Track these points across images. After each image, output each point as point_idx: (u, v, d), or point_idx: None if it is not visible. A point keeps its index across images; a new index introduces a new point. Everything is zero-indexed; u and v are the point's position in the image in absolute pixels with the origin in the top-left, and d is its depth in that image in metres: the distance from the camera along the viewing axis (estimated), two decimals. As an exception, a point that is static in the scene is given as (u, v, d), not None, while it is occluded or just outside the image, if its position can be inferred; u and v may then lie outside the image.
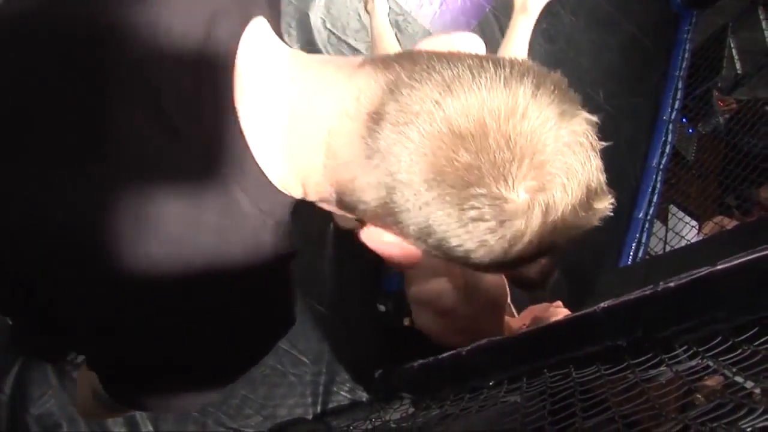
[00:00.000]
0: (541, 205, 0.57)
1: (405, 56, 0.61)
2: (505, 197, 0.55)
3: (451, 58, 0.59)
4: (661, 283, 1.15)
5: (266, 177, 0.64)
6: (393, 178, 0.57)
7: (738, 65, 4.56)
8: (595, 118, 0.65)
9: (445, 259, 0.63)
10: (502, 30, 3.30)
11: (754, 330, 1.01)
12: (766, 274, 0.95)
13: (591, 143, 0.63)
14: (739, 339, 1.03)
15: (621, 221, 3.74)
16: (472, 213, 0.56)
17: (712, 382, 1.27)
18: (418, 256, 0.66)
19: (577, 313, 1.35)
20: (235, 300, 0.68)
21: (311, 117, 0.61)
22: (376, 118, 0.57)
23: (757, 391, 0.96)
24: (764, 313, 0.99)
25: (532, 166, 0.55)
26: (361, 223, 0.67)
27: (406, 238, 0.62)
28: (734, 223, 3.68)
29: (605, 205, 0.65)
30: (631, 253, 3.62)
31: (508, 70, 0.58)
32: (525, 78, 0.58)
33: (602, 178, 0.65)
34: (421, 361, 2.02)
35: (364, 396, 2.41)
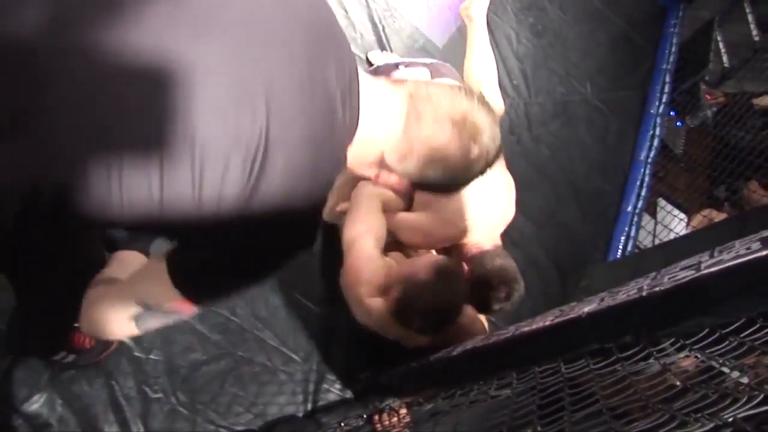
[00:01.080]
0: (482, 150, 1.09)
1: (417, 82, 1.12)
2: (472, 149, 1.08)
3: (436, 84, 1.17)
4: (645, 286, 1.16)
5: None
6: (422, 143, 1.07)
7: (725, 59, 4.59)
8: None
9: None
10: (490, 22, 3.31)
11: (741, 321, 1.02)
12: (752, 278, 0.95)
13: (496, 117, 1.14)
14: (726, 331, 1.04)
15: (610, 215, 3.76)
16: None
17: (686, 363, 1.27)
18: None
19: (563, 319, 1.35)
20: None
21: (386, 112, 1.07)
22: (412, 113, 1.06)
23: (744, 380, 0.96)
24: (750, 314, 1.00)
25: (483, 133, 1.08)
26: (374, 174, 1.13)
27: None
28: (722, 215, 3.70)
29: (498, 144, 1.15)
30: (620, 247, 3.64)
31: (464, 91, 1.10)
32: (473, 95, 1.10)
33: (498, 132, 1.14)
34: (408, 364, 2.03)
35: (355, 393, 2.41)
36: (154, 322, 1.17)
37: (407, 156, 1.07)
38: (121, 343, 1.94)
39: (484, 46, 2.52)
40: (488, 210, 2.19)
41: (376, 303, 1.98)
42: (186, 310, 1.08)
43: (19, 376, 1.85)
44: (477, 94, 1.11)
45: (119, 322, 1.17)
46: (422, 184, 1.15)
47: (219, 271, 1.01)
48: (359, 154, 1.07)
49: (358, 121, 1.02)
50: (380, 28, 2.89)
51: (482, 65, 2.50)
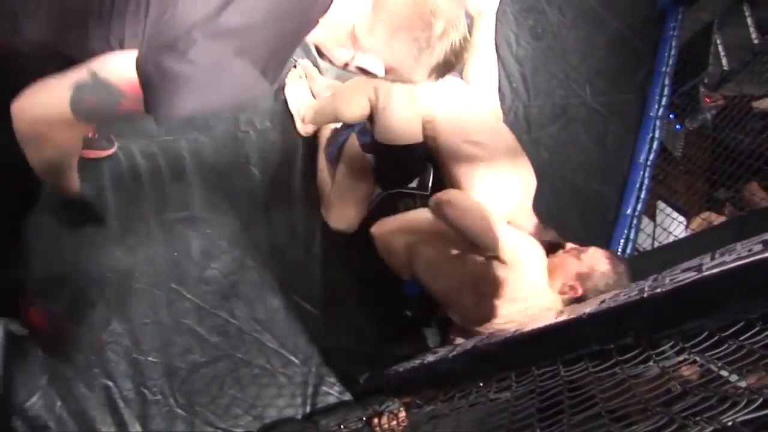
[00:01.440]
0: (446, 27, 1.14)
1: None
2: (434, 24, 1.13)
3: None
4: (646, 288, 1.15)
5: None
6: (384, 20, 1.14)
7: (724, 61, 4.58)
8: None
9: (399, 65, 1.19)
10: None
11: (740, 325, 1.02)
12: (753, 279, 0.95)
13: (462, 12, 1.19)
14: (725, 334, 1.04)
15: (609, 217, 3.75)
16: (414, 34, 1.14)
17: (687, 371, 1.27)
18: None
19: (564, 320, 1.35)
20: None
21: None
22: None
23: (742, 384, 0.96)
24: (751, 316, 0.99)
25: (443, 11, 1.12)
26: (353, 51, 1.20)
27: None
28: (722, 218, 3.69)
29: (468, 45, 1.23)
30: (620, 249, 3.63)
31: None
32: None
33: (466, 31, 1.20)
34: (407, 365, 2.02)
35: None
36: (91, 100, 1.07)
37: (375, 26, 1.15)
38: (73, 335, 1.95)
39: (489, 47, 2.43)
40: (515, 187, 2.28)
41: None
42: (132, 95, 1.04)
43: (17, 378, 1.85)
44: None
45: (58, 90, 1.07)
46: (397, 71, 1.22)
47: (179, 68, 1.00)
48: (334, 26, 1.15)
49: None
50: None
51: (484, 68, 2.44)
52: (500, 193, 2.23)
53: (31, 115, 1.08)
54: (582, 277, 2.08)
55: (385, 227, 2.29)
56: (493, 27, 2.41)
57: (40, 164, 1.20)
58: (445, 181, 2.31)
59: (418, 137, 2.21)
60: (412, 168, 2.32)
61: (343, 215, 2.34)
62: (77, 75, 1.05)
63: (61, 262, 1.95)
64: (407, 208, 2.28)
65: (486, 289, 2.07)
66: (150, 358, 2.04)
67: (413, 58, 1.18)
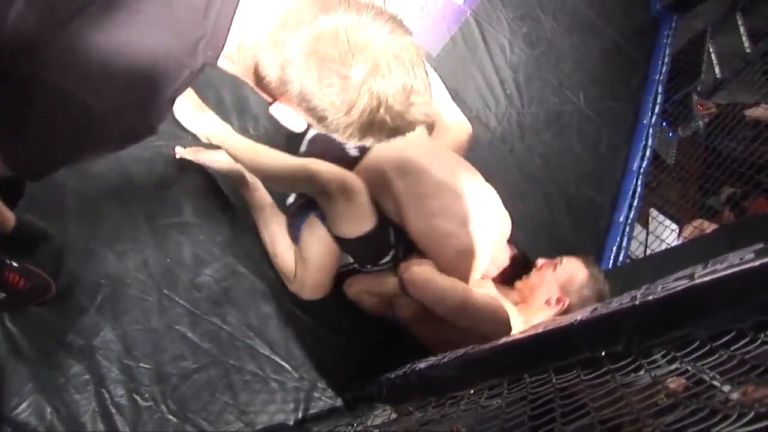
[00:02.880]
0: (368, 84, 0.89)
1: None
2: (346, 75, 0.89)
3: None
4: (638, 296, 1.16)
5: (224, 43, 0.96)
6: (286, 59, 0.92)
7: (717, 70, 4.61)
8: (417, 43, 0.95)
9: (314, 120, 0.97)
10: (484, 33, 3.32)
11: (732, 334, 1.02)
12: (745, 288, 0.96)
13: (412, 56, 0.93)
14: (717, 344, 1.04)
15: (602, 225, 3.76)
16: (326, 81, 0.90)
17: (673, 384, 1.28)
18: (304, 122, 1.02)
19: (555, 327, 1.35)
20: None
21: (263, 15, 0.95)
22: (283, 22, 0.92)
23: (734, 396, 0.96)
24: (743, 325, 1.00)
25: (364, 58, 0.89)
26: (272, 98, 1.02)
27: (294, 105, 0.98)
28: (714, 226, 3.71)
29: (422, 101, 0.95)
30: (612, 257, 3.64)
31: (364, 8, 0.90)
32: (367, 10, 0.90)
33: (421, 84, 0.94)
34: (399, 372, 2.02)
35: (346, 402, 2.41)
36: None
37: (285, 60, 0.93)
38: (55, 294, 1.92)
39: None
40: (487, 246, 2.20)
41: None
42: None
43: (6, 384, 1.84)
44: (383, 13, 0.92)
45: None
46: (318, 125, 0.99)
47: (22, 121, 0.91)
48: (239, 60, 1.00)
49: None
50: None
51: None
52: (476, 257, 2.17)
53: None
54: (565, 287, 2.09)
55: (356, 286, 2.30)
56: None
57: None
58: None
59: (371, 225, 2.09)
60: (382, 249, 2.18)
61: (320, 288, 2.27)
62: None
63: (51, 267, 1.94)
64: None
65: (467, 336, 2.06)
66: (142, 364, 2.03)
67: (329, 105, 0.92)
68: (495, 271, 2.36)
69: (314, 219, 2.16)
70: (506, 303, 2.14)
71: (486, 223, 2.17)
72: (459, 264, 2.13)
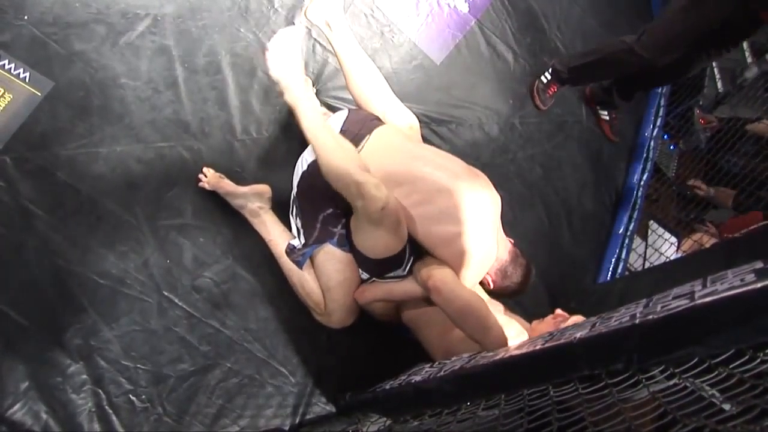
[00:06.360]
0: None
1: None
2: None
3: None
4: (638, 314, 1.16)
5: None
6: None
7: (719, 84, 4.62)
8: None
9: None
10: (488, 42, 3.33)
11: (731, 352, 1.02)
12: (746, 310, 0.96)
13: None
14: (716, 361, 1.04)
15: (601, 236, 3.77)
16: None
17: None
18: None
19: (554, 344, 1.35)
20: None
21: None
22: None
23: (732, 411, 0.96)
24: (743, 345, 1.00)
25: None
26: None
27: None
28: (713, 241, 3.72)
29: None
30: (611, 268, 3.65)
31: None
32: None
33: None
34: (394, 382, 2.02)
35: (342, 407, 2.41)
36: None
37: None
38: None
39: (359, 56, 2.32)
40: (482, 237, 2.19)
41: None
42: None
43: (1, 382, 1.84)
44: None
45: None
46: None
47: None
48: None
49: None
50: (380, 42, 2.90)
51: (368, 81, 2.35)
52: (482, 253, 2.18)
53: None
54: None
55: (366, 296, 2.28)
56: (350, 35, 2.32)
57: None
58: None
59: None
60: (401, 261, 2.18)
61: (348, 315, 2.30)
62: None
63: (51, 265, 1.94)
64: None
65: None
66: (139, 366, 2.03)
67: None
68: (495, 266, 2.34)
69: (331, 248, 2.18)
70: (516, 325, 2.20)
71: (483, 214, 2.18)
72: (469, 263, 2.14)
